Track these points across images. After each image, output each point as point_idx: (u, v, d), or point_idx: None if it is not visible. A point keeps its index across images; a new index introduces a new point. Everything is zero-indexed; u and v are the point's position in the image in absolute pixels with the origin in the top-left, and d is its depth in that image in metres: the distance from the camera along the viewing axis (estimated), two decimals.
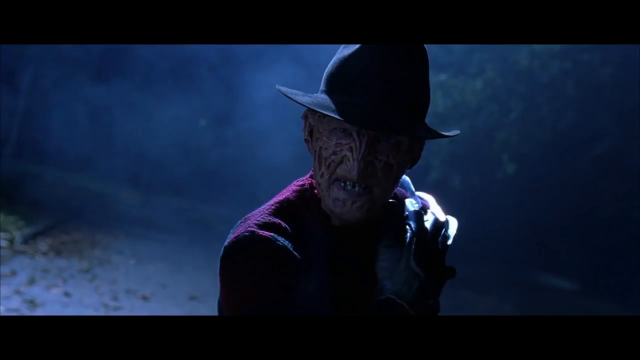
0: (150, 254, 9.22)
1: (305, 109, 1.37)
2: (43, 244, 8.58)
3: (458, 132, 1.48)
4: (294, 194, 1.39)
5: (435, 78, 12.54)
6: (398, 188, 1.45)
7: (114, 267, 8.13)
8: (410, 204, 1.36)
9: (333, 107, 1.29)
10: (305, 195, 1.39)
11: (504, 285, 12.26)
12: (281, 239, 1.29)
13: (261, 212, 1.35)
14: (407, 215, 1.34)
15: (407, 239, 1.31)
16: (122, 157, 15.54)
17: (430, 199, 1.44)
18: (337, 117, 1.27)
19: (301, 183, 1.42)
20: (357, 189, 1.32)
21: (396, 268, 1.30)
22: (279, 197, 1.39)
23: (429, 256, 1.32)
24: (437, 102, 12.55)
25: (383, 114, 1.29)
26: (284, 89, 1.36)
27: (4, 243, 8.01)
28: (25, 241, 8.46)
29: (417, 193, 1.43)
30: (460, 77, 12.62)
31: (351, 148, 1.30)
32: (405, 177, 1.43)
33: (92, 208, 12.50)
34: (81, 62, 13.97)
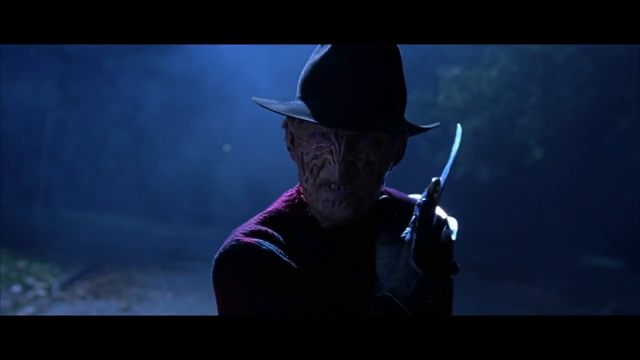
0: (187, 284, 9.20)
1: (285, 117, 1.38)
2: (80, 289, 8.59)
3: (438, 124, 1.50)
4: (282, 204, 1.41)
5: (449, 73, 12.45)
6: (395, 191, 1.45)
7: (153, 302, 8.12)
8: (422, 197, 1.33)
9: (309, 111, 1.30)
10: (293, 203, 1.40)
11: (548, 271, 12.05)
12: (267, 244, 1.31)
13: (249, 223, 1.37)
14: (418, 203, 1.31)
15: (406, 235, 1.30)
16: (150, 192, 15.61)
17: None
18: (312, 120, 1.28)
19: (289, 193, 1.43)
20: (342, 189, 1.32)
21: (395, 265, 1.28)
22: (268, 208, 1.41)
23: (429, 253, 1.29)
24: (455, 97, 12.45)
25: (358, 113, 1.30)
26: (259, 99, 1.37)
27: (41, 292, 8.03)
28: (63, 287, 8.48)
29: (414, 196, 1.43)
30: (475, 69, 12.50)
31: (331, 151, 1.32)
32: (459, 131, 1.43)
33: (125, 247, 12.54)
34: (96, 104, 14.08)
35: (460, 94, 12.39)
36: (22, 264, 9.22)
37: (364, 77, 1.32)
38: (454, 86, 12.35)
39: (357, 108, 1.31)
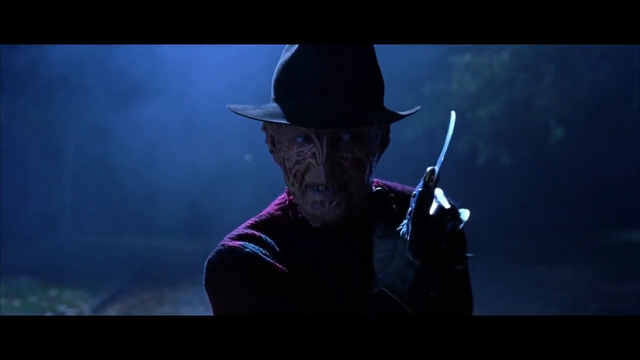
0: None
1: (264, 122, 1.36)
2: (112, 311, 8.62)
3: (418, 107, 1.45)
4: (274, 207, 1.39)
5: (460, 60, 12.36)
6: (394, 184, 1.42)
7: None
8: (417, 187, 1.30)
9: (285, 113, 1.27)
10: (284, 205, 1.38)
11: (580, 252, 11.90)
12: (250, 246, 1.29)
13: (238, 227, 1.36)
14: (414, 194, 1.28)
15: (403, 227, 1.26)
16: (176, 208, 15.66)
17: (437, 192, 1.36)
18: (289, 123, 1.25)
19: (282, 196, 1.40)
20: (330, 189, 1.29)
21: (392, 259, 1.25)
22: (260, 212, 1.39)
23: (428, 245, 1.24)
24: (468, 84, 12.37)
25: (335, 108, 1.27)
26: (233, 106, 1.35)
27: None
28: (94, 312, 8.50)
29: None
30: (485, 54, 12.40)
31: (314, 154, 1.28)
32: (453, 116, 1.38)
33: (155, 265, 12.57)
34: (115, 130, 14.15)
35: (473, 80, 12.31)
36: (53, 292, 9.26)
37: (337, 70, 1.28)
38: (466, 73, 12.27)
39: (334, 103, 1.27)
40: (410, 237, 1.24)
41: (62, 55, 11.72)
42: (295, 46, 1.32)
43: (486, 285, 9.59)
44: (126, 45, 11.31)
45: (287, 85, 1.31)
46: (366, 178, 1.32)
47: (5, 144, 13.12)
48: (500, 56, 12.20)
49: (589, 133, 12.94)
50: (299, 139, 1.29)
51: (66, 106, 13.33)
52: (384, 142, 1.37)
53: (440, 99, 12.63)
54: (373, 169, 1.34)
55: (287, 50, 1.33)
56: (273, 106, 1.31)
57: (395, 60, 12.55)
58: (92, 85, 12.84)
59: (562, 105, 12.08)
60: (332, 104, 1.27)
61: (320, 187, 1.29)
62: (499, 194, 14.18)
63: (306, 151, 1.29)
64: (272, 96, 1.34)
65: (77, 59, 11.93)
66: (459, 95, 12.46)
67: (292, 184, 1.32)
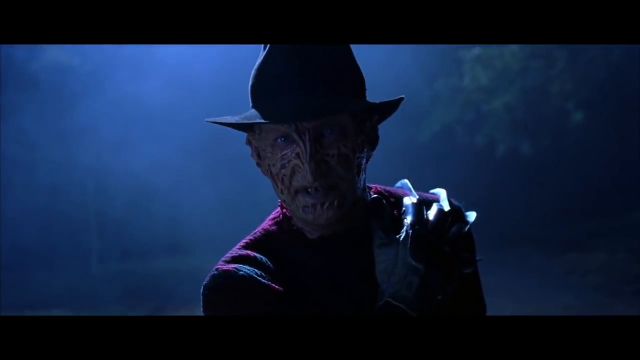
0: None
1: (247, 135, 1.35)
2: None
3: (402, 97, 1.40)
4: (269, 222, 1.36)
5: (469, 54, 12.33)
6: (401, 189, 1.38)
7: None
8: (408, 199, 1.28)
9: (262, 114, 1.24)
10: (279, 219, 1.35)
11: (612, 235, 11.74)
12: (245, 268, 1.27)
13: (233, 248, 1.33)
14: (404, 210, 1.26)
15: (402, 234, 1.23)
16: (203, 229, 15.72)
17: (441, 193, 1.36)
18: (266, 121, 1.23)
19: (276, 210, 1.38)
20: (320, 190, 1.26)
21: (394, 267, 1.22)
22: (255, 229, 1.36)
23: (431, 248, 1.22)
24: (480, 77, 12.34)
25: (312, 100, 1.23)
26: (212, 118, 1.33)
27: None
28: None
29: (432, 191, 1.37)
30: (495, 45, 12.35)
31: (298, 154, 1.25)
32: (404, 180, 1.38)
33: (185, 287, 12.59)
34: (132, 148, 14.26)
35: (485, 72, 12.28)
36: None
37: (311, 64, 1.26)
38: (477, 66, 12.23)
39: (310, 96, 1.24)
40: (410, 241, 1.21)
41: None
42: (267, 48, 1.30)
43: (517, 277, 9.50)
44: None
45: (261, 87, 1.29)
46: (356, 176, 1.28)
47: (29, 179, 13.27)
48: (510, 46, 12.14)
49: (609, 114, 12.81)
50: (281, 141, 1.26)
51: (76, 136, 13.44)
52: (372, 139, 1.33)
53: (454, 94, 12.59)
54: (363, 167, 1.30)
55: (259, 57, 1.31)
56: (251, 111, 1.29)
57: (405, 58, 12.54)
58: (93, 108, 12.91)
59: (578, 88, 12.00)
60: (308, 96, 1.24)
61: (309, 190, 1.26)
62: (522, 184, 14.06)
63: (290, 153, 1.26)
64: (250, 104, 1.32)
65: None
66: (472, 88, 12.42)
67: (282, 192, 1.29)
